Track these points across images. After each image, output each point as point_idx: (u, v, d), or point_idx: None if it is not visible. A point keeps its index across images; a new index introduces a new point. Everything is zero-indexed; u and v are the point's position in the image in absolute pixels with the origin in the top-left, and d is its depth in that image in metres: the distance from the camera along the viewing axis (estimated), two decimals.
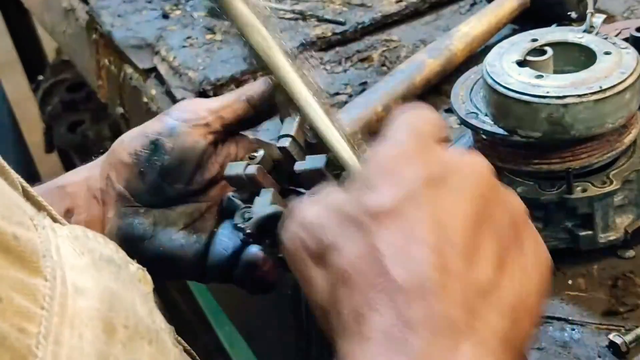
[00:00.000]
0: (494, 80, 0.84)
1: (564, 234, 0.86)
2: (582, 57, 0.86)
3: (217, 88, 1.25)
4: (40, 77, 2.68)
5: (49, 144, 2.71)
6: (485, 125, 0.86)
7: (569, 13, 1.19)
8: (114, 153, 0.79)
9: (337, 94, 1.21)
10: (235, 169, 0.76)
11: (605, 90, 0.80)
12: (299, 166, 0.74)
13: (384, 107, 1.12)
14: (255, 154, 0.78)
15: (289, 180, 0.79)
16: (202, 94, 1.25)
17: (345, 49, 1.32)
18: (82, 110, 2.53)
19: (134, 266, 0.55)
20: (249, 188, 0.77)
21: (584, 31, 0.89)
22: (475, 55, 1.19)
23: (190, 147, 0.77)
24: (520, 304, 0.53)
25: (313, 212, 0.55)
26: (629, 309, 0.82)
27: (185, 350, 0.64)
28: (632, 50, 0.85)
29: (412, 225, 0.52)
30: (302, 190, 0.77)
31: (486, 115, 0.86)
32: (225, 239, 0.79)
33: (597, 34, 0.89)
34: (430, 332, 0.49)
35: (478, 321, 0.50)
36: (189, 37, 1.38)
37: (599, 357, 0.78)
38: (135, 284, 0.53)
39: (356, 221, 0.53)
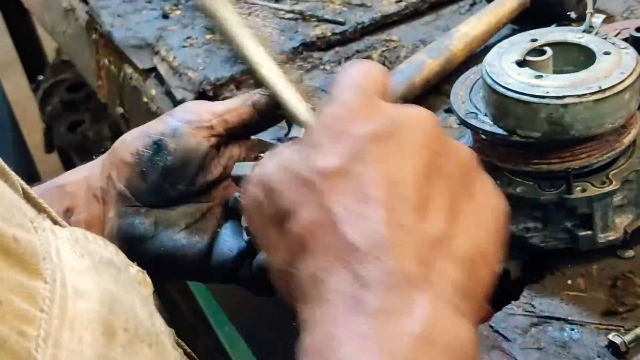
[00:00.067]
0: (493, 80, 0.84)
1: (564, 234, 0.86)
2: (582, 57, 0.86)
3: (217, 88, 1.25)
4: (40, 77, 2.68)
5: (49, 144, 2.71)
6: (484, 125, 0.86)
7: (568, 13, 1.19)
8: (115, 152, 0.79)
9: None
10: (243, 169, 0.76)
11: (604, 90, 0.80)
12: None
13: None
14: (262, 155, 0.78)
15: None
16: (202, 94, 1.25)
17: (345, 49, 1.32)
18: (82, 110, 2.53)
19: (134, 269, 0.55)
20: None
21: (584, 31, 0.89)
22: (475, 55, 1.19)
23: (193, 148, 0.77)
24: (476, 253, 0.54)
25: (267, 170, 0.56)
26: (628, 309, 0.82)
27: (186, 353, 0.64)
28: (631, 50, 0.85)
29: (362, 183, 0.53)
30: None
31: (486, 115, 0.86)
32: (230, 240, 0.79)
33: (596, 34, 0.89)
34: (385, 288, 0.50)
35: (433, 273, 0.51)
36: (188, 37, 1.38)
37: (599, 357, 0.78)
38: (135, 287, 0.53)
39: (308, 182, 0.54)
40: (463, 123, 0.88)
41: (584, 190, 0.84)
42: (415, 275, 0.51)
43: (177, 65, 1.31)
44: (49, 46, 2.78)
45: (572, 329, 0.80)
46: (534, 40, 0.88)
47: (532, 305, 0.84)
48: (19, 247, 0.44)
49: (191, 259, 0.79)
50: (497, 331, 0.81)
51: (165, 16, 1.46)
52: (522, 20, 1.24)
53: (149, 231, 0.78)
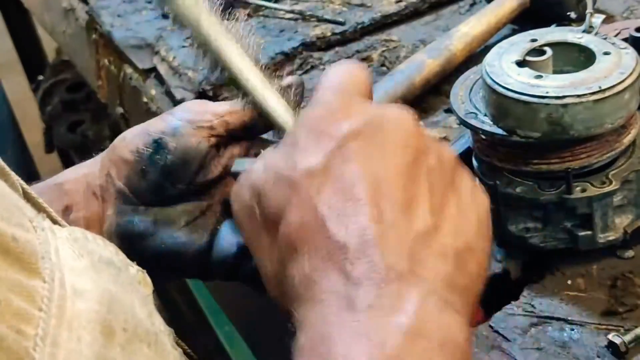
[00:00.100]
0: (493, 80, 0.84)
1: (563, 234, 0.86)
2: (582, 58, 0.86)
3: (217, 88, 1.25)
4: (40, 77, 2.68)
5: (49, 144, 2.71)
6: (484, 126, 0.86)
7: (568, 13, 1.19)
8: (115, 150, 0.79)
9: None
10: (243, 165, 0.75)
11: (604, 90, 0.80)
12: None
13: None
14: (261, 150, 0.77)
15: None
16: (202, 94, 1.25)
17: (345, 49, 1.32)
18: (82, 110, 2.53)
19: (134, 268, 0.55)
20: None
21: (584, 31, 0.89)
22: (475, 55, 1.19)
23: (193, 147, 0.77)
24: (464, 247, 0.54)
25: (255, 177, 0.58)
26: (628, 309, 0.82)
27: (186, 353, 0.64)
28: (631, 50, 0.85)
29: (346, 181, 0.54)
30: None
31: (485, 115, 0.86)
32: (230, 236, 0.78)
33: (596, 34, 0.89)
34: (375, 285, 0.51)
35: (421, 267, 0.52)
36: (188, 37, 1.37)
37: (598, 357, 0.78)
38: (134, 287, 0.53)
39: (293, 183, 0.55)
40: (463, 123, 0.88)
41: (583, 191, 0.84)
42: (404, 271, 0.51)
43: (177, 65, 1.31)
44: (49, 46, 2.78)
45: (572, 329, 0.80)
46: (533, 40, 0.88)
47: (532, 305, 0.84)
48: (17, 247, 0.44)
49: (191, 256, 0.78)
50: (496, 331, 0.81)
51: (165, 16, 1.46)
52: (521, 21, 1.24)
53: (148, 229, 0.77)
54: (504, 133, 0.84)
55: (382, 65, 1.25)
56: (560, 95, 0.80)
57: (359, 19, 1.36)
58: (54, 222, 0.52)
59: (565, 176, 0.84)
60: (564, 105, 0.80)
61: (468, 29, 1.21)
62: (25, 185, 0.54)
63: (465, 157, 0.96)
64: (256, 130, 0.80)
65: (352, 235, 0.52)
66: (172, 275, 0.86)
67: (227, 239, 0.79)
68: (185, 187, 0.78)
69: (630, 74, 0.82)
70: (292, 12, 1.40)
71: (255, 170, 0.58)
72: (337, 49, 1.32)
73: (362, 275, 0.51)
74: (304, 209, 0.54)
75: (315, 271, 0.52)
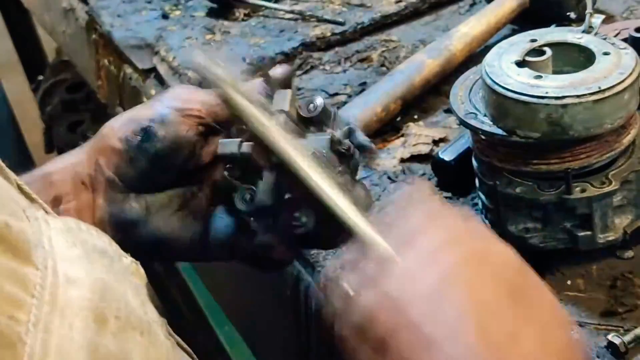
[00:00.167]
0: (493, 80, 0.84)
1: (563, 234, 0.86)
2: (581, 58, 0.86)
3: None
4: (40, 77, 2.68)
5: (49, 144, 2.70)
6: (484, 126, 0.86)
7: (568, 13, 1.19)
8: (102, 138, 0.78)
9: (337, 94, 1.21)
10: (230, 146, 0.75)
11: (604, 90, 0.80)
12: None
13: (383, 108, 1.12)
14: (242, 127, 0.76)
15: None
16: None
17: (345, 49, 1.32)
18: (82, 111, 2.52)
19: (128, 259, 0.55)
20: (243, 166, 0.76)
21: (583, 31, 0.89)
22: (475, 56, 1.19)
23: (182, 136, 0.76)
24: None
25: (369, 302, 0.61)
26: (627, 309, 0.82)
27: (179, 345, 0.64)
28: (630, 50, 0.85)
29: (454, 302, 0.58)
30: None
31: (485, 115, 0.86)
32: (225, 217, 0.79)
33: (596, 34, 0.89)
34: None
35: None
36: (188, 38, 1.38)
37: (598, 357, 0.78)
38: (127, 276, 0.53)
39: (404, 310, 0.59)
40: (462, 123, 0.88)
41: (583, 191, 0.84)
42: None
43: (176, 66, 1.32)
44: (49, 46, 2.78)
45: (572, 330, 0.80)
46: (533, 40, 0.88)
47: None
48: (10, 234, 0.44)
49: (187, 239, 0.79)
50: None
51: (165, 16, 1.46)
52: (521, 21, 1.24)
53: (141, 216, 0.78)
54: (504, 133, 0.84)
55: (382, 65, 1.25)
56: (560, 95, 0.80)
57: (358, 19, 1.36)
58: (47, 213, 0.52)
59: (565, 176, 0.84)
60: (564, 106, 0.80)
61: (468, 29, 1.21)
62: (19, 180, 0.54)
63: (465, 157, 0.96)
64: None
65: (460, 355, 0.57)
66: (170, 260, 0.86)
67: (222, 220, 0.79)
68: (175, 174, 0.78)
69: (630, 74, 0.82)
70: (292, 12, 1.40)
71: (368, 297, 0.61)
72: (337, 49, 1.32)
73: None
74: (415, 331, 0.58)
75: None
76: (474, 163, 0.91)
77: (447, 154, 0.99)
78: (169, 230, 0.78)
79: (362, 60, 1.28)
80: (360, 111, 1.11)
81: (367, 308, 0.61)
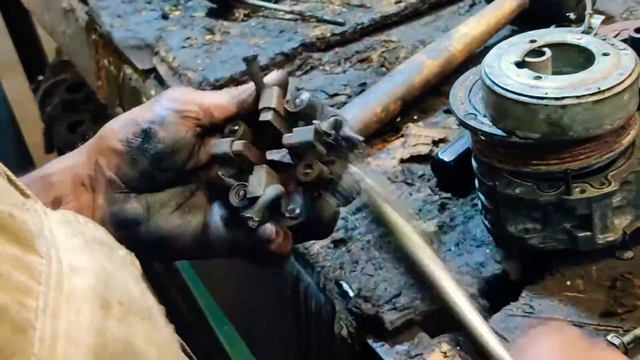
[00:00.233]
0: (492, 81, 0.84)
1: (563, 235, 0.87)
2: (581, 58, 0.86)
3: (217, 89, 1.25)
4: (40, 78, 2.68)
5: (49, 144, 2.70)
6: (483, 126, 0.86)
7: (567, 14, 1.19)
8: (102, 140, 0.79)
9: (336, 94, 1.21)
10: (222, 146, 0.77)
11: (603, 91, 0.80)
12: (288, 140, 0.76)
13: (383, 108, 1.12)
14: (235, 128, 0.79)
15: (271, 146, 0.81)
16: None
17: (345, 50, 1.32)
18: (82, 111, 2.52)
19: (123, 251, 0.56)
20: (236, 164, 0.78)
21: (583, 32, 0.89)
22: (474, 56, 1.19)
23: (181, 137, 0.78)
24: None
25: None
26: (627, 310, 0.82)
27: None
28: (630, 51, 0.85)
29: None
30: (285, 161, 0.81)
31: (485, 116, 0.86)
32: (224, 213, 0.80)
33: (595, 35, 0.89)
34: None
35: None
36: (188, 38, 1.38)
37: None
38: (126, 265, 0.54)
39: None
40: (462, 124, 0.88)
41: (583, 191, 0.84)
42: None
43: (176, 66, 1.32)
44: (48, 46, 2.78)
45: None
46: (533, 41, 0.88)
47: (531, 307, 0.84)
48: (14, 224, 0.45)
49: (188, 237, 0.80)
50: (496, 332, 0.81)
51: (164, 17, 1.46)
52: (521, 21, 1.24)
53: (142, 215, 0.79)
54: (503, 134, 0.84)
55: (382, 65, 1.26)
56: (560, 96, 0.80)
57: (358, 19, 1.36)
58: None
59: (565, 177, 0.84)
60: (563, 106, 0.80)
61: (467, 29, 1.21)
62: (12, 175, 0.54)
63: (464, 158, 0.96)
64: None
65: None
66: (173, 258, 0.87)
67: (221, 216, 0.80)
68: (175, 174, 0.79)
69: (630, 75, 0.82)
70: (291, 12, 1.40)
71: None
72: (336, 49, 1.32)
73: None
74: None
75: None
76: (474, 164, 0.91)
77: (447, 155, 0.99)
78: (170, 228, 0.79)
79: (361, 61, 1.28)
80: (360, 111, 1.11)
81: None
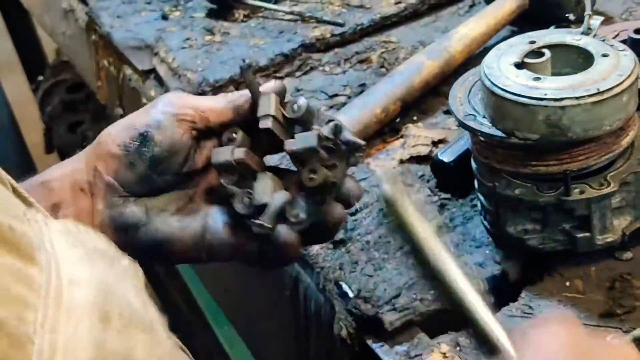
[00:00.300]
0: (491, 82, 0.84)
1: (562, 235, 0.87)
2: (580, 59, 0.86)
3: (216, 89, 1.26)
4: (40, 78, 2.68)
5: (49, 145, 2.70)
6: (483, 127, 0.86)
7: (567, 15, 1.19)
8: (100, 145, 0.80)
9: (336, 95, 1.21)
10: (223, 155, 0.78)
11: (602, 92, 0.80)
12: (290, 146, 0.76)
13: (382, 109, 1.12)
14: (233, 135, 0.79)
15: (267, 152, 0.82)
16: (202, 95, 1.25)
17: (344, 50, 1.32)
18: (82, 111, 2.52)
19: (126, 260, 0.56)
20: (238, 172, 0.78)
21: (582, 33, 0.89)
22: (474, 57, 1.19)
23: (178, 139, 0.79)
24: None
25: None
26: (626, 310, 0.82)
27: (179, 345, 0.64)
28: (629, 52, 0.85)
29: None
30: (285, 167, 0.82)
31: (484, 117, 0.86)
32: (224, 218, 0.80)
33: (594, 36, 0.89)
34: None
35: None
36: (188, 39, 1.38)
37: None
38: (127, 277, 0.54)
39: None
40: (462, 125, 0.88)
41: (582, 192, 0.84)
42: None
43: (176, 67, 1.32)
44: (48, 47, 2.78)
45: None
46: (532, 42, 0.88)
47: (531, 307, 0.84)
48: (14, 236, 0.45)
49: (188, 240, 0.80)
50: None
51: (164, 17, 1.46)
52: (520, 22, 1.24)
53: (141, 218, 0.79)
54: (503, 135, 0.84)
55: (381, 66, 1.26)
56: (559, 97, 0.80)
57: (358, 20, 1.36)
58: (45, 216, 0.53)
59: (564, 178, 0.84)
60: (562, 107, 0.80)
61: (467, 30, 1.21)
62: (14, 183, 0.54)
63: (464, 159, 0.96)
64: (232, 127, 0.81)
65: None
66: (172, 262, 0.87)
67: (222, 221, 0.80)
68: (173, 177, 0.80)
69: (629, 76, 0.82)
70: (291, 13, 1.40)
71: None
72: (336, 50, 1.32)
73: None
74: None
75: None
76: (473, 164, 0.91)
77: (446, 155, 0.99)
78: (169, 232, 0.80)
79: (361, 62, 1.28)
80: (360, 112, 1.11)
81: None
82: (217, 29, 1.40)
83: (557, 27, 1.05)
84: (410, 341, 0.85)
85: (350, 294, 0.90)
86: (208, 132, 0.80)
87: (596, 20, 0.91)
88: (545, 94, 0.81)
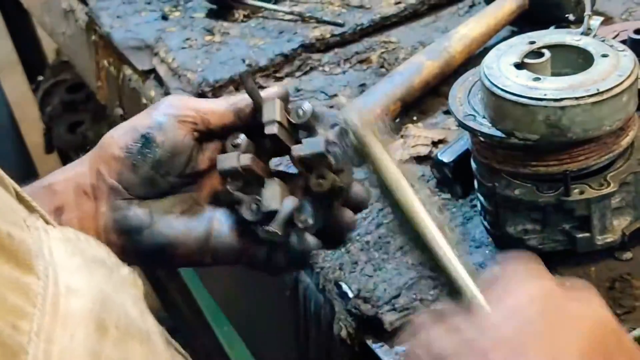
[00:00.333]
0: (491, 82, 0.84)
1: (562, 236, 0.87)
2: (580, 60, 0.86)
3: (216, 90, 1.26)
4: (40, 78, 2.68)
5: (49, 145, 2.71)
6: (483, 128, 0.86)
7: (566, 15, 1.19)
8: (103, 148, 0.80)
9: (336, 95, 1.21)
10: (229, 161, 0.77)
11: (602, 92, 0.80)
12: (298, 151, 0.76)
13: (382, 109, 1.12)
14: (237, 142, 0.79)
15: (274, 157, 0.82)
16: (201, 95, 1.25)
17: (344, 51, 1.32)
18: (81, 111, 2.53)
19: (125, 269, 0.55)
20: (243, 178, 0.78)
21: (582, 33, 0.89)
22: (474, 57, 1.19)
23: (180, 140, 0.79)
24: None
25: (438, 340, 0.62)
26: (626, 310, 0.82)
27: (178, 352, 0.64)
28: (629, 52, 0.85)
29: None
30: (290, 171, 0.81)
31: (484, 117, 0.87)
32: (230, 223, 0.80)
33: (594, 36, 0.89)
34: None
35: None
36: (188, 39, 1.38)
37: None
38: (126, 287, 0.53)
39: (480, 352, 0.60)
40: (461, 125, 0.88)
41: (581, 193, 0.84)
42: None
43: (176, 67, 1.32)
44: (48, 47, 2.78)
45: None
46: (532, 42, 0.88)
47: None
48: (12, 244, 0.45)
49: (192, 243, 0.80)
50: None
51: (164, 17, 1.46)
52: (520, 22, 1.24)
53: (145, 221, 0.79)
54: (502, 135, 0.84)
55: (381, 66, 1.26)
56: (558, 97, 0.80)
57: (358, 20, 1.36)
58: (47, 223, 0.53)
59: (564, 178, 0.84)
60: (562, 108, 0.80)
61: (467, 30, 1.21)
62: (18, 187, 0.54)
63: (463, 159, 0.96)
64: (233, 132, 0.81)
65: None
66: (176, 265, 0.87)
67: (229, 226, 0.80)
68: (176, 179, 0.80)
69: (628, 76, 0.82)
70: (291, 13, 1.40)
71: (438, 334, 0.62)
72: (336, 50, 1.32)
73: None
74: None
75: None
76: (473, 165, 0.91)
77: (446, 156, 0.99)
78: (174, 235, 0.79)
79: (361, 62, 1.28)
80: None
81: (434, 345, 0.62)
82: (217, 29, 1.40)
83: (556, 28, 1.05)
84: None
85: (350, 294, 0.90)
86: (210, 134, 0.80)
87: (596, 21, 0.91)
88: (545, 95, 0.81)
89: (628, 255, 0.88)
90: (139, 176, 0.78)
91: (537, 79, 0.83)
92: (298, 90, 1.23)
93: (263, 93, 0.80)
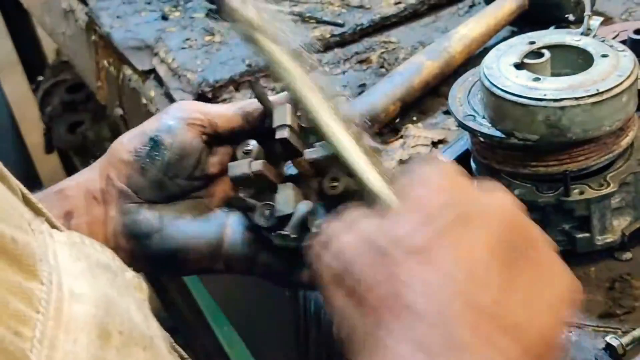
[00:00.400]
0: (491, 82, 0.84)
1: (561, 236, 0.87)
2: (580, 60, 0.87)
3: (216, 90, 1.26)
4: (40, 78, 2.68)
5: (49, 145, 2.71)
6: (482, 128, 0.86)
7: (566, 15, 1.19)
8: (113, 153, 0.80)
9: None
10: (240, 168, 0.77)
11: (602, 93, 0.80)
12: (311, 154, 0.75)
13: (382, 109, 1.12)
14: (249, 148, 0.79)
15: (286, 160, 0.81)
16: (201, 95, 1.25)
17: (344, 51, 1.32)
18: (81, 111, 2.53)
19: (130, 273, 0.55)
20: (256, 184, 0.77)
21: (582, 34, 0.89)
22: (474, 57, 1.19)
23: (189, 142, 0.79)
24: (543, 343, 0.56)
25: (347, 244, 0.59)
26: (625, 311, 0.82)
27: (182, 358, 0.64)
28: (629, 52, 0.85)
29: (439, 262, 0.56)
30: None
31: (484, 117, 0.87)
32: (244, 231, 0.79)
33: (594, 36, 0.89)
34: (445, 357, 0.53)
35: (495, 352, 0.54)
36: (188, 39, 1.38)
37: (596, 359, 0.78)
38: (130, 291, 0.53)
39: (389, 257, 0.57)
40: (461, 125, 0.88)
41: (581, 193, 0.84)
42: (475, 347, 0.54)
43: (176, 67, 1.32)
44: (48, 47, 2.78)
45: (570, 332, 0.80)
46: (532, 42, 0.88)
47: None
48: (16, 248, 0.44)
49: (203, 249, 0.80)
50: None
51: (164, 18, 1.46)
52: (520, 23, 1.24)
53: (154, 226, 0.79)
54: (502, 135, 0.84)
55: (381, 66, 1.26)
56: (558, 97, 0.81)
57: (358, 20, 1.36)
58: (53, 226, 0.53)
59: (563, 178, 0.84)
60: (562, 108, 0.80)
61: (467, 30, 1.21)
62: (24, 189, 0.54)
63: (463, 159, 0.96)
64: (242, 137, 0.81)
65: (434, 308, 0.54)
66: (187, 271, 0.87)
67: (242, 235, 0.79)
68: (185, 181, 0.80)
69: (628, 76, 0.82)
70: (291, 13, 1.40)
71: (348, 240, 0.60)
72: (336, 50, 1.32)
73: (436, 347, 0.53)
74: (396, 282, 0.56)
75: (393, 339, 0.55)
76: (473, 165, 0.91)
77: (446, 156, 0.99)
78: (184, 239, 0.79)
79: (361, 62, 1.29)
80: None
81: (344, 251, 0.59)
82: (217, 30, 1.40)
83: (556, 28, 1.05)
84: None
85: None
86: (219, 137, 0.80)
87: (596, 21, 0.91)
88: (545, 95, 0.81)
89: (628, 255, 0.88)
90: (147, 179, 0.78)
91: (537, 79, 0.83)
92: None
93: (273, 98, 0.79)
